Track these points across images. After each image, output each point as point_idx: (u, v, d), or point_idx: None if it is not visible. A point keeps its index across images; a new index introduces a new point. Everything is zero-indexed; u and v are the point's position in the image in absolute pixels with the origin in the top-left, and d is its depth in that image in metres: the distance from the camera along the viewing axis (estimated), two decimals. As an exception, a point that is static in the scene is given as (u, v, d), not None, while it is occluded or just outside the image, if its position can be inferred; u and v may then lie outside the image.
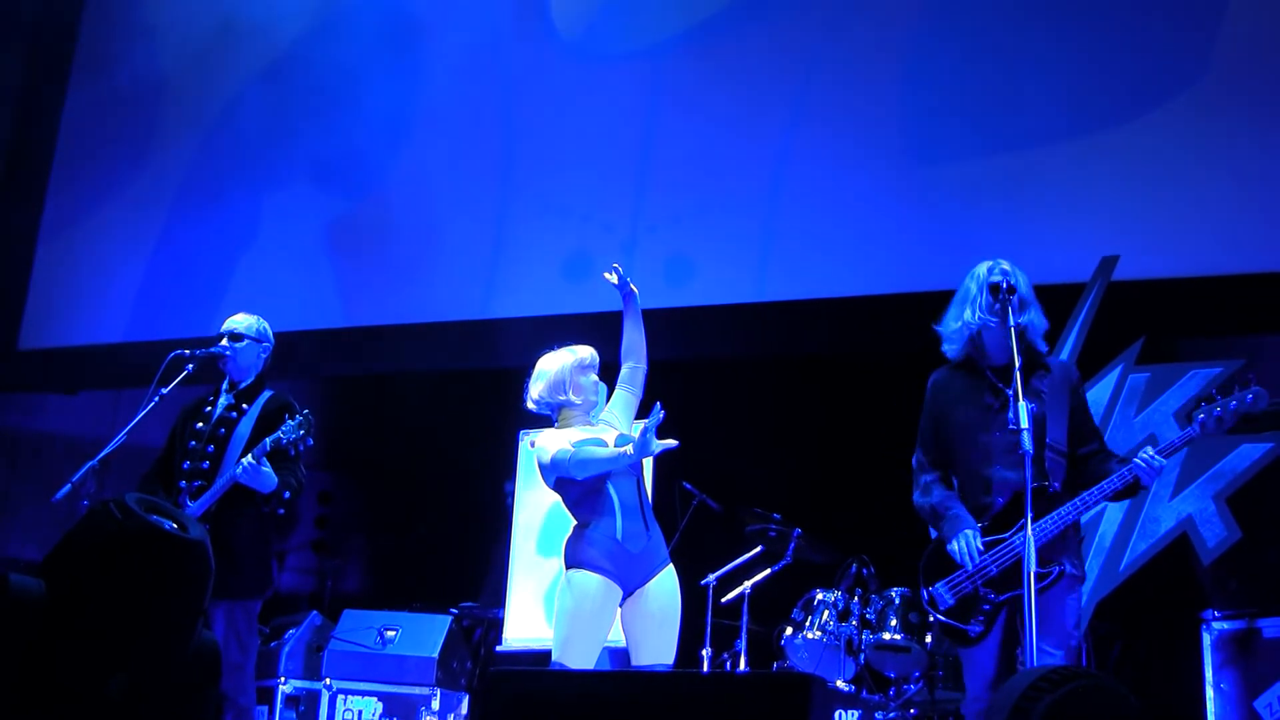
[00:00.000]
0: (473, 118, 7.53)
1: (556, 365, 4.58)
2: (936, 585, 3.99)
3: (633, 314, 4.67)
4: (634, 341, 4.66)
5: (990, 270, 4.01)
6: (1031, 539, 3.67)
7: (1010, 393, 3.88)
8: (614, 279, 4.64)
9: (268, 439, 4.75)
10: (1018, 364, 3.81)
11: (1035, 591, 3.67)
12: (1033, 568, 3.65)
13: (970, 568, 3.89)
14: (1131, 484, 3.88)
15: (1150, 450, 3.86)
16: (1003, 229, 6.09)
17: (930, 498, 4.06)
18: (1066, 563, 3.86)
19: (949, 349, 4.10)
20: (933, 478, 4.09)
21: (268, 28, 8.13)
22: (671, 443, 4.21)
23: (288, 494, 4.85)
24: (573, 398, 4.54)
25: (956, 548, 3.91)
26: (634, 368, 4.64)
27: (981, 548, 3.90)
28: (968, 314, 4.01)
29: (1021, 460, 3.76)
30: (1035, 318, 4.01)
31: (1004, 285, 3.93)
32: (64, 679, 2.08)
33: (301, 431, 4.77)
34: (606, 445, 4.37)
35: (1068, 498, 3.89)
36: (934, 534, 4.09)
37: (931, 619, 4.06)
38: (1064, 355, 5.53)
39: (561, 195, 7.16)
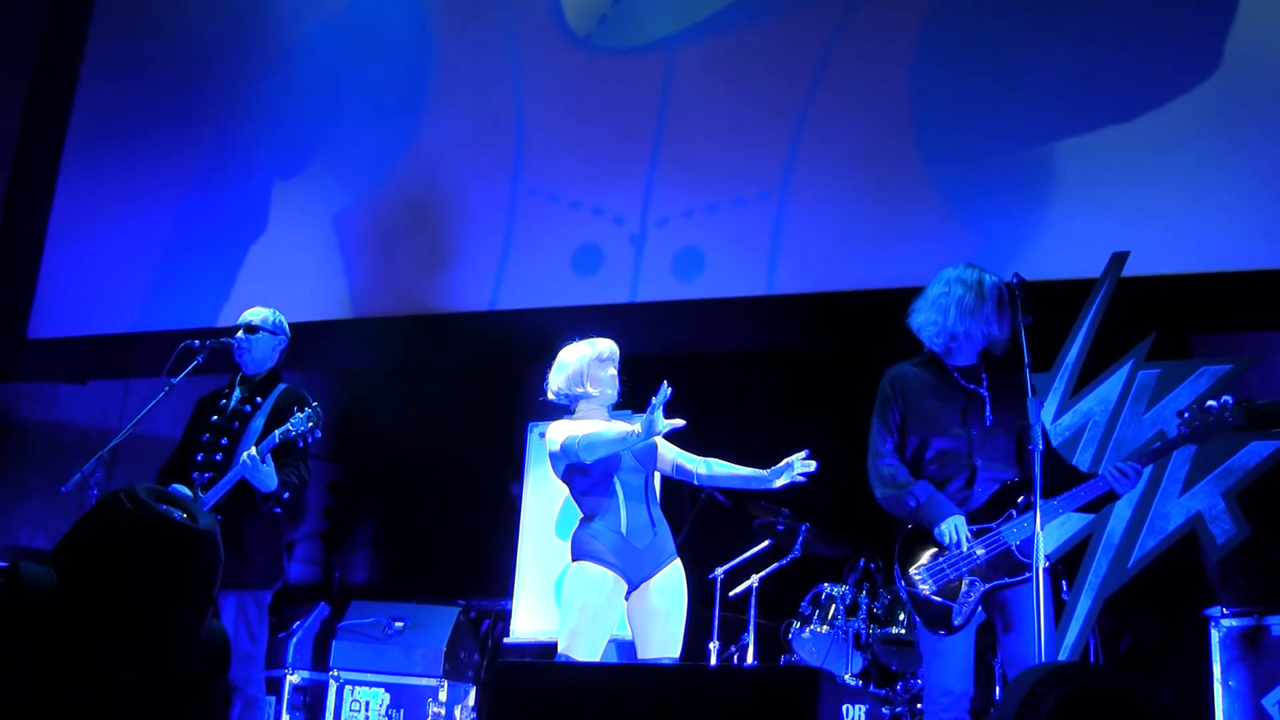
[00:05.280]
0: (484, 110, 7.52)
1: (575, 357, 4.60)
2: (914, 570, 3.99)
3: (752, 483, 4.60)
4: (724, 478, 4.64)
5: (984, 277, 4.08)
6: (1040, 533, 3.72)
7: (984, 392, 4.04)
8: (780, 481, 4.55)
9: (276, 431, 4.76)
10: (1027, 360, 3.86)
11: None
12: (1041, 560, 3.69)
13: (962, 551, 3.91)
14: (1105, 494, 3.95)
15: (1122, 464, 3.91)
16: (1013, 223, 6.08)
17: (901, 486, 4.05)
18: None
19: (933, 342, 4.12)
20: (896, 464, 4.10)
21: (279, 20, 8.13)
22: (679, 422, 4.23)
23: (287, 494, 4.85)
24: (590, 390, 4.55)
25: (945, 530, 3.92)
26: (696, 468, 4.63)
27: (970, 535, 3.93)
28: (965, 319, 4.04)
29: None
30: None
31: (1015, 284, 4.00)
32: (74, 667, 2.08)
33: (310, 424, 4.78)
34: (618, 436, 4.39)
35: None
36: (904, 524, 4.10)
37: (910, 596, 4.03)
38: (1073, 351, 5.53)
39: (571, 188, 7.16)
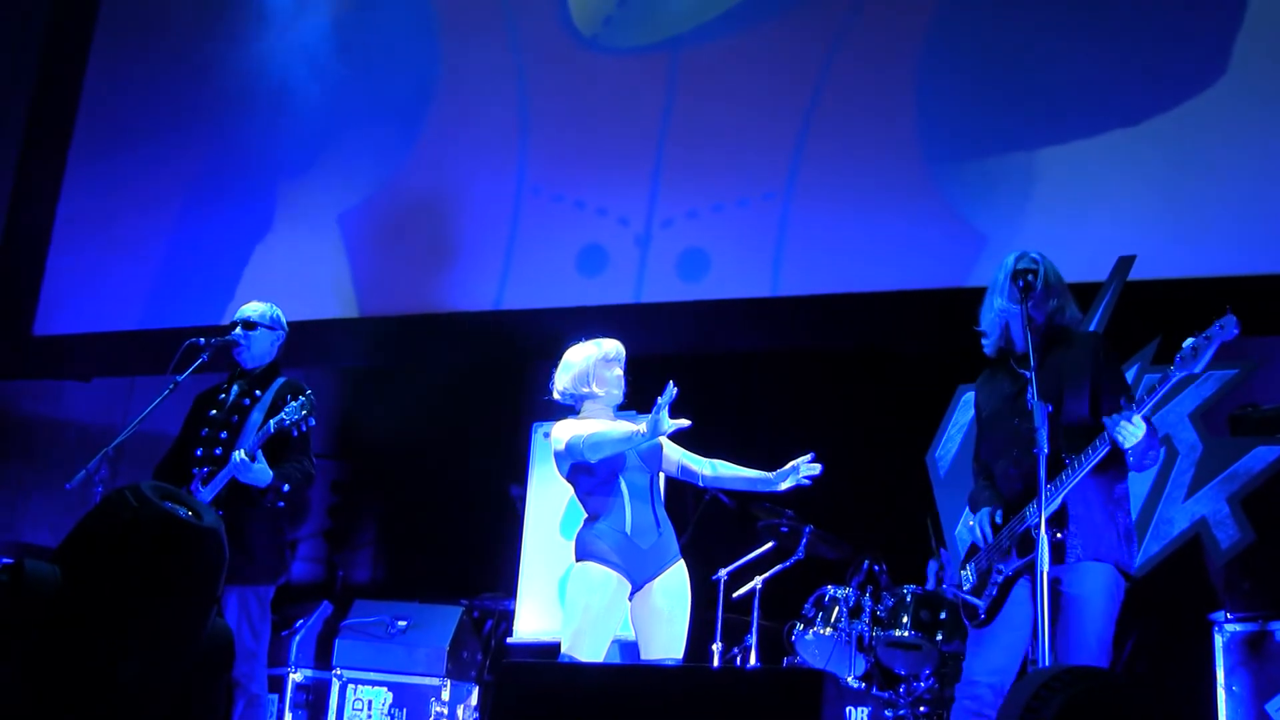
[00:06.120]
0: (489, 110, 7.52)
1: (581, 357, 4.61)
2: (967, 566, 4.03)
3: (757, 485, 4.63)
4: (729, 479, 4.67)
5: (1018, 259, 4.01)
6: (1045, 535, 3.64)
7: (1029, 375, 3.81)
8: (785, 484, 4.58)
9: (271, 421, 4.76)
10: (1032, 360, 3.79)
11: (1043, 560, 3.63)
12: (1045, 563, 3.62)
13: (980, 543, 3.93)
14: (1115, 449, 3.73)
15: (1120, 414, 3.71)
16: (1019, 226, 6.07)
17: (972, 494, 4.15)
18: (1074, 535, 3.76)
19: (986, 343, 4.10)
20: (980, 479, 4.13)
21: (284, 20, 8.14)
22: (684, 422, 4.23)
23: (286, 487, 4.84)
24: (596, 390, 4.56)
25: (961, 527, 3.97)
26: (701, 470, 4.64)
27: (999, 522, 3.90)
28: (996, 302, 4.02)
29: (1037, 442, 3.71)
30: (1064, 305, 4.00)
31: (1027, 273, 3.93)
32: (78, 665, 2.08)
33: (303, 412, 4.76)
34: (622, 434, 4.39)
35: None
36: None
37: (954, 598, 4.08)
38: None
39: (576, 188, 7.17)
